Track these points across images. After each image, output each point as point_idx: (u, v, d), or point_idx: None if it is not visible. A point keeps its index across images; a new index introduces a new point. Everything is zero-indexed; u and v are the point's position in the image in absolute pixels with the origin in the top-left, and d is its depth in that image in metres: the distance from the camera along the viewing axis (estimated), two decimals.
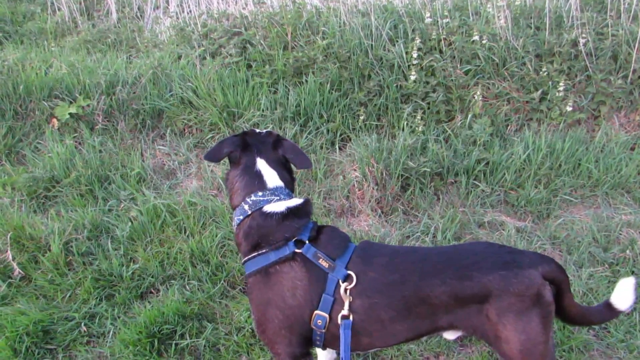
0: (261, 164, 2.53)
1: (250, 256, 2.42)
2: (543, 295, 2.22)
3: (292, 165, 2.65)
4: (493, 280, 2.20)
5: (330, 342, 2.39)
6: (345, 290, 2.28)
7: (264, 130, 2.68)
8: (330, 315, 2.31)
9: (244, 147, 2.58)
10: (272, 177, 2.52)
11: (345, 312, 2.28)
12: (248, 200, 2.47)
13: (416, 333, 2.36)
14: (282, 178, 2.53)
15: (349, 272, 2.30)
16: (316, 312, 2.32)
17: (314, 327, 2.34)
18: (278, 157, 2.55)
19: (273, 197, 2.47)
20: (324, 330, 2.34)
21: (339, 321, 2.29)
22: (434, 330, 2.36)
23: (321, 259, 2.34)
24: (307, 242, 2.38)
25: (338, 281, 2.30)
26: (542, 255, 2.36)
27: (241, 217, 2.48)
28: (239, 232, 2.49)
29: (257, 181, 2.51)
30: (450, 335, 2.47)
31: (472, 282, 2.21)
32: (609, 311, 2.44)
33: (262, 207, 2.44)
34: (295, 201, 2.49)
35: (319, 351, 2.86)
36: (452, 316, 2.28)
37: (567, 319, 2.46)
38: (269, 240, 2.40)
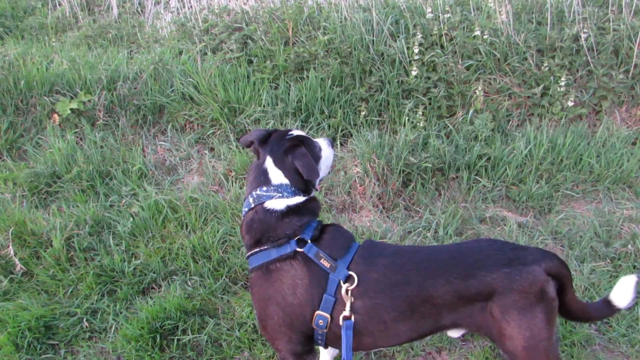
0: (268, 163, 2.56)
1: (253, 251, 2.43)
2: (547, 292, 2.22)
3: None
4: (497, 278, 2.20)
5: (333, 341, 2.39)
6: (347, 291, 2.28)
7: (294, 134, 2.67)
8: (331, 315, 2.31)
9: (262, 143, 2.65)
10: (277, 175, 2.53)
11: (346, 313, 2.27)
12: (253, 193, 2.51)
13: (420, 333, 2.36)
14: (288, 177, 2.53)
15: (350, 272, 2.30)
16: (317, 312, 2.32)
17: (315, 327, 2.34)
18: (286, 161, 2.56)
19: (275, 194, 2.48)
20: (325, 330, 2.34)
21: (341, 322, 2.28)
22: (438, 329, 2.36)
23: (323, 259, 2.33)
24: (309, 241, 2.37)
25: (339, 282, 2.30)
26: (546, 251, 2.36)
27: (246, 209, 2.52)
28: (242, 223, 2.52)
29: (262, 177, 2.55)
30: (454, 334, 2.48)
31: (476, 281, 2.21)
32: (608, 308, 2.45)
33: (263, 203, 2.46)
34: (297, 199, 2.48)
35: (320, 349, 2.86)
36: (456, 315, 2.27)
37: (567, 314, 2.46)
38: (270, 236, 2.40)
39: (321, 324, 2.33)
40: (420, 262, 2.31)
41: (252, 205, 2.48)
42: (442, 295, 2.23)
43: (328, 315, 2.31)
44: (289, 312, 2.35)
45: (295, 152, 2.55)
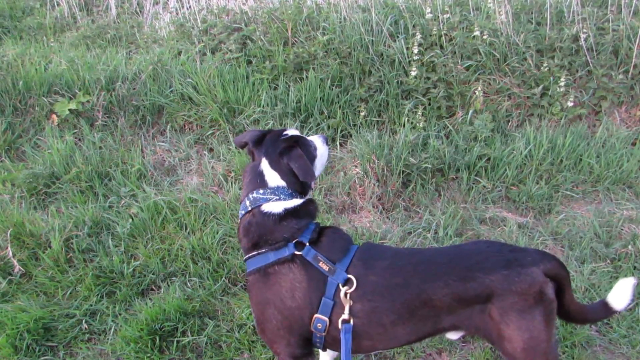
0: (264, 165, 2.54)
1: (250, 254, 2.41)
2: (545, 293, 2.21)
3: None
4: (496, 280, 2.19)
5: (331, 344, 2.38)
6: (346, 294, 2.27)
7: (289, 134, 2.64)
8: (330, 318, 2.30)
9: (257, 144, 2.62)
10: (273, 177, 2.52)
11: (345, 316, 2.27)
12: (250, 196, 2.49)
13: (419, 335, 2.36)
14: (284, 179, 2.52)
15: (349, 275, 2.29)
16: (316, 315, 2.31)
17: (313, 330, 2.33)
18: (282, 163, 2.54)
19: (272, 197, 2.46)
20: (324, 334, 2.33)
21: (340, 325, 2.27)
22: (437, 331, 2.36)
23: (321, 262, 2.32)
24: (307, 244, 2.36)
25: (338, 285, 2.29)
26: (544, 253, 2.36)
27: (242, 212, 2.50)
28: (240, 226, 2.50)
29: (259, 179, 2.52)
30: (453, 336, 2.47)
31: (475, 283, 2.20)
32: (605, 310, 2.44)
33: (260, 205, 2.44)
34: (295, 202, 2.47)
35: (319, 351, 2.85)
36: (455, 317, 2.27)
37: (565, 316, 2.46)
38: (268, 240, 2.39)
39: (320, 327, 2.31)
40: (419, 265, 2.30)
41: (249, 208, 2.47)
42: (441, 297, 2.23)
43: (327, 319, 2.30)
44: (287, 315, 2.34)
45: (290, 154, 2.52)
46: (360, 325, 2.29)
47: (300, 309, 2.32)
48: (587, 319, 2.69)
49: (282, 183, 2.51)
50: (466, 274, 2.22)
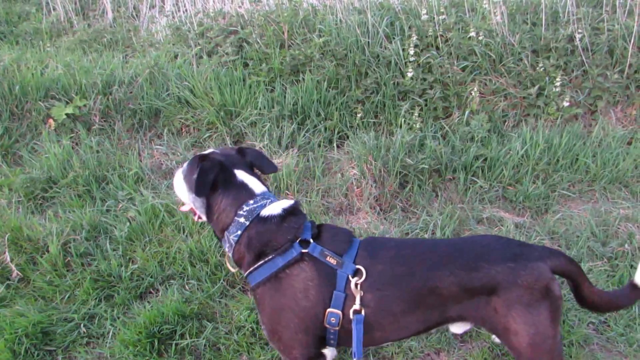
0: (241, 174, 2.48)
1: (255, 266, 2.37)
2: (552, 289, 2.22)
3: (259, 171, 2.65)
4: (501, 272, 2.20)
5: (344, 339, 2.37)
6: (356, 284, 2.27)
7: (219, 149, 2.63)
8: (342, 311, 2.30)
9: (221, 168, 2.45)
10: (255, 184, 2.49)
11: (357, 306, 2.27)
12: (241, 212, 2.40)
13: (427, 325, 2.37)
14: (263, 183, 2.52)
15: (358, 266, 2.30)
16: (329, 310, 2.31)
17: (327, 325, 2.33)
18: (248, 164, 2.53)
19: (265, 201, 2.44)
20: (337, 328, 2.33)
21: (351, 316, 2.28)
22: (444, 321, 2.37)
23: (328, 257, 2.32)
24: (311, 240, 2.36)
25: (347, 277, 2.29)
26: (551, 249, 2.36)
27: (239, 232, 2.39)
28: (239, 247, 2.41)
29: (243, 191, 2.44)
30: (458, 330, 2.48)
31: (480, 273, 2.22)
32: (635, 292, 2.41)
33: (259, 214, 2.40)
34: (287, 202, 2.47)
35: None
36: (462, 307, 2.28)
37: (593, 307, 2.45)
38: (273, 245, 2.36)
39: (333, 321, 2.31)
40: (424, 253, 2.33)
41: (247, 223, 2.38)
42: (447, 286, 2.25)
43: (339, 312, 2.30)
44: (303, 316, 2.33)
45: (247, 153, 2.58)
46: (372, 315, 2.30)
47: (314, 307, 2.32)
48: (618, 305, 2.56)
49: (264, 188, 2.51)
50: (471, 264, 2.24)
